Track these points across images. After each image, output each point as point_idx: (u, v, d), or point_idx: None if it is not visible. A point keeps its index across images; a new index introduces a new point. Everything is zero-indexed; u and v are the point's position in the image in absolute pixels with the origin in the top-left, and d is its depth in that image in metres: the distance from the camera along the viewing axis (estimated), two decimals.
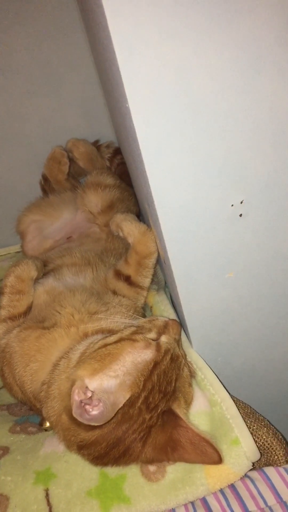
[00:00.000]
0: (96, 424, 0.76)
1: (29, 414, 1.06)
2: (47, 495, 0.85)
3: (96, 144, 1.63)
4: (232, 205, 0.81)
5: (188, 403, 0.88)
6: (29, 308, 1.09)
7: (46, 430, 0.97)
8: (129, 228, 1.11)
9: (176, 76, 0.69)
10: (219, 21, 0.66)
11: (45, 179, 1.62)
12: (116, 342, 0.85)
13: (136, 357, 0.83)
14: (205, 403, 0.91)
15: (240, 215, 0.82)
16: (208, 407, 0.90)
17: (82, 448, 0.84)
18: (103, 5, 0.63)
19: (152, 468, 0.86)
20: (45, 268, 1.19)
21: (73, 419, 0.82)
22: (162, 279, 1.21)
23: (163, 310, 1.09)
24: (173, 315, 1.06)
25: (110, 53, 0.74)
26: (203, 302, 0.92)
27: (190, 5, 0.64)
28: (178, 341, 0.92)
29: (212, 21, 0.66)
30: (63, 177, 1.56)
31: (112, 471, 0.86)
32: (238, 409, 0.88)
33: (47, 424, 0.95)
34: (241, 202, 0.81)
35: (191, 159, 0.76)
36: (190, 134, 0.74)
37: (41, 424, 0.97)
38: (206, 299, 0.91)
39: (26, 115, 1.56)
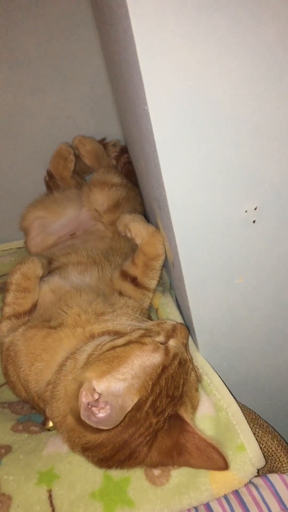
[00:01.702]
0: (105, 428, 0.75)
1: (31, 413, 1.05)
2: (50, 496, 0.84)
3: (103, 142, 1.62)
4: (246, 211, 0.81)
5: (194, 408, 0.88)
6: (34, 306, 1.08)
7: (49, 430, 0.97)
8: (138, 229, 1.10)
9: (195, 81, 0.69)
10: (240, 28, 0.66)
11: (50, 175, 1.61)
12: (124, 344, 0.85)
13: (144, 360, 0.82)
14: (210, 408, 0.91)
15: (254, 221, 0.82)
16: (214, 412, 0.90)
17: (86, 450, 0.84)
18: (128, 8, 0.62)
19: (156, 472, 0.86)
20: (50, 266, 1.18)
21: (79, 421, 0.81)
22: (167, 281, 1.21)
23: (169, 312, 1.09)
24: (179, 318, 1.06)
25: (130, 54, 0.74)
26: (211, 307, 0.92)
27: (213, 12, 0.64)
28: (186, 345, 0.92)
29: (234, 28, 0.66)
30: (69, 174, 1.55)
31: (116, 473, 0.86)
32: (243, 415, 0.88)
33: (50, 424, 0.95)
34: (255, 209, 0.81)
35: (206, 164, 0.76)
36: (207, 139, 0.74)
37: (44, 423, 0.97)
38: (215, 304, 0.91)
39: (33, 111, 1.54)
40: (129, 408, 0.78)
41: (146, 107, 0.71)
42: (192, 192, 0.78)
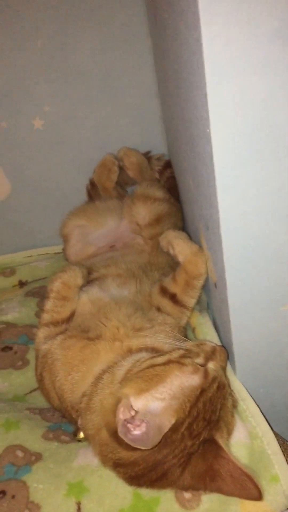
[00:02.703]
0: (143, 448, 0.75)
1: (62, 421, 1.05)
2: (79, 508, 0.84)
3: (147, 155, 1.62)
4: None
5: (229, 433, 0.87)
6: (72, 315, 1.09)
7: (79, 441, 0.97)
8: (182, 247, 1.10)
9: (260, 108, 0.69)
10: None
11: (92, 184, 1.63)
12: (164, 363, 0.84)
13: (183, 381, 0.82)
14: (245, 435, 0.89)
15: None
16: (248, 439, 0.89)
17: (118, 466, 0.83)
18: (201, 32, 0.63)
19: (187, 495, 0.84)
20: (89, 276, 1.19)
21: (114, 437, 0.81)
22: (204, 300, 1.20)
23: (206, 333, 1.08)
24: (216, 339, 1.05)
25: (195, 76, 0.74)
26: (253, 332, 0.91)
27: (285, 40, 0.64)
28: (224, 369, 0.91)
29: None
30: (111, 185, 1.56)
31: (146, 492, 0.85)
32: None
33: (81, 435, 0.95)
34: None
35: (263, 190, 0.75)
36: (266, 165, 0.73)
37: (75, 434, 0.97)
38: (257, 329, 0.90)
39: (82, 119, 1.56)
40: (167, 429, 0.77)
41: (208, 130, 0.72)
42: (246, 217, 0.77)
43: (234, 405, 0.91)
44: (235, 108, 0.68)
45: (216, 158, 0.72)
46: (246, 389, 0.95)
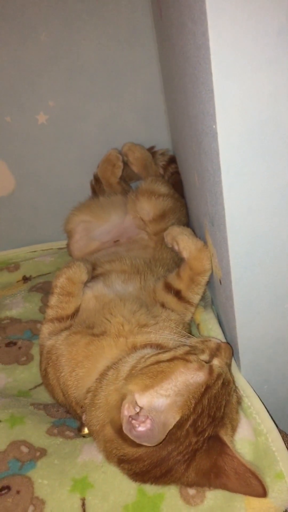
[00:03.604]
0: (148, 445, 0.75)
1: (66, 417, 1.06)
2: (83, 504, 0.84)
3: (151, 150, 1.62)
4: None
5: (234, 430, 0.87)
6: (76, 311, 1.09)
7: (84, 436, 0.97)
8: (186, 243, 1.10)
9: (267, 104, 0.68)
10: None
11: (96, 179, 1.63)
12: (169, 360, 0.84)
13: (188, 378, 0.82)
14: (249, 432, 0.89)
15: None
16: (253, 436, 0.89)
17: (123, 462, 0.83)
18: (208, 27, 0.62)
19: (191, 491, 0.85)
20: (93, 272, 1.19)
21: (118, 433, 0.81)
22: (209, 297, 1.20)
23: (211, 329, 1.08)
24: (221, 335, 1.05)
25: (201, 72, 0.73)
26: (258, 329, 0.90)
27: None
28: (229, 366, 0.91)
29: None
30: (115, 180, 1.56)
31: (150, 489, 0.85)
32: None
33: (86, 430, 0.95)
34: None
35: (269, 186, 0.75)
36: (273, 162, 0.73)
37: (79, 430, 0.97)
38: (262, 326, 0.90)
39: (86, 115, 1.56)
40: (171, 426, 0.77)
41: (214, 126, 0.71)
42: (252, 213, 0.77)
43: (239, 401, 0.91)
44: (242, 104, 0.68)
45: (222, 154, 0.72)
46: (251, 386, 0.94)
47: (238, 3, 0.61)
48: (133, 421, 0.78)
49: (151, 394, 0.79)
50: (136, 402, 0.79)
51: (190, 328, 1.13)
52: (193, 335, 1.08)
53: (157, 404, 0.79)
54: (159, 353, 0.88)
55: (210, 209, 0.92)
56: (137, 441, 0.74)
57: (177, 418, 0.78)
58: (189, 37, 0.80)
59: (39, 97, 1.52)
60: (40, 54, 1.45)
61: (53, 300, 1.09)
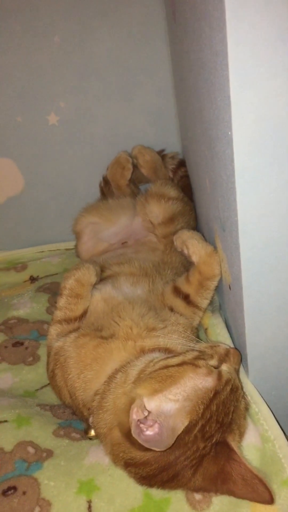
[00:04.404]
0: (157, 450, 0.75)
1: (72, 418, 1.06)
2: (89, 507, 0.84)
3: (161, 154, 1.62)
4: None
5: (241, 436, 0.87)
6: (85, 313, 1.09)
7: (90, 439, 0.97)
8: (196, 247, 1.10)
9: (284, 111, 0.68)
10: None
11: (105, 181, 1.63)
12: (178, 365, 0.84)
13: (197, 383, 0.82)
14: (256, 438, 0.89)
15: None
16: (260, 442, 0.89)
17: (130, 466, 0.83)
18: (227, 34, 0.62)
19: (198, 496, 0.85)
20: (102, 274, 1.19)
21: (126, 436, 0.81)
22: (217, 301, 1.20)
23: (219, 333, 1.08)
24: (228, 340, 1.05)
25: (218, 78, 0.74)
26: (267, 335, 0.90)
27: None
28: (237, 371, 0.91)
29: None
30: (125, 182, 1.56)
31: (157, 493, 0.85)
32: None
33: (92, 433, 0.95)
34: None
35: (284, 194, 0.75)
36: (287, 169, 0.73)
37: (86, 432, 0.97)
38: (272, 333, 0.90)
39: (97, 116, 1.56)
40: (180, 431, 0.77)
41: (229, 133, 0.71)
42: (265, 220, 0.77)
43: (247, 407, 0.91)
44: (257, 111, 0.68)
45: (237, 160, 0.72)
46: (259, 392, 0.94)
47: (258, 10, 0.61)
48: (141, 425, 0.78)
49: (160, 399, 0.79)
50: (144, 406, 0.79)
51: (198, 332, 1.13)
52: (201, 340, 1.09)
53: (165, 408, 0.79)
54: (168, 357, 0.88)
55: (222, 214, 0.92)
56: (146, 445, 0.74)
57: (186, 423, 0.78)
58: (205, 43, 0.80)
59: (50, 98, 1.52)
60: (53, 55, 1.45)
61: (62, 301, 1.09)
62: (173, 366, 0.84)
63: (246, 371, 0.97)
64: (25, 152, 1.60)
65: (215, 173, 0.92)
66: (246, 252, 0.80)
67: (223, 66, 0.68)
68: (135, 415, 0.78)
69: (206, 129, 0.95)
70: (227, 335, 1.07)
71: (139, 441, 0.75)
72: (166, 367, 0.84)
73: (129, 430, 0.78)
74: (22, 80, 1.48)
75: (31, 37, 1.41)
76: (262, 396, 0.94)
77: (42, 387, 1.18)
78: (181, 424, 0.78)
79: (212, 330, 1.10)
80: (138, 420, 0.77)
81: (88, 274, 1.10)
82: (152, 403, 0.79)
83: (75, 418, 1.05)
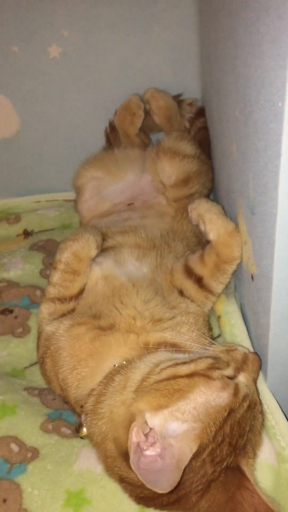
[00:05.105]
0: (159, 491, 0.63)
1: (63, 407, 0.95)
2: None
3: (178, 99, 1.43)
4: None
5: (256, 455, 0.76)
6: (81, 291, 0.96)
7: (81, 438, 0.86)
8: (215, 224, 0.95)
9: None
10: None
11: (112, 128, 1.46)
12: (188, 376, 0.71)
13: (210, 399, 0.69)
14: (271, 456, 0.79)
15: None
16: (275, 461, 0.78)
17: (125, 482, 0.74)
18: None
19: None
20: (104, 243, 1.04)
21: (123, 457, 0.70)
22: (232, 283, 1.05)
23: (234, 325, 0.95)
24: (244, 333, 0.93)
25: (270, 24, 0.55)
26: None
27: None
28: (255, 380, 0.78)
29: None
30: (134, 131, 1.38)
31: None
32: None
33: (84, 432, 0.84)
34: None
35: None
36: None
37: (77, 430, 0.86)
38: None
39: (106, 51, 1.37)
40: (188, 460, 0.66)
41: (280, 104, 0.54)
42: None
43: (264, 423, 0.79)
44: None
45: (285, 141, 0.56)
46: (277, 402, 0.82)
47: None
48: (140, 443, 0.66)
49: (165, 415, 0.68)
50: (146, 423, 0.67)
51: (209, 318, 1.00)
52: (212, 328, 0.96)
53: (171, 427, 0.68)
54: (177, 364, 0.75)
55: (252, 195, 0.76)
56: (147, 485, 0.62)
57: (194, 449, 0.67)
58: None
59: (52, 25, 1.33)
60: None
61: (56, 277, 0.95)
62: (182, 376, 0.71)
63: (265, 377, 0.85)
64: (21, 88, 1.43)
65: (248, 143, 0.75)
66: (282, 244, 0.66)
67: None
68: (135, 437, 0.66)
69: (241, 85, 0.77)
70: (243, 327, 0.94)
71: (139, 477, 0.63)
72: (174, 377, 0.72)
73: (127, 451, 0.67)
74: (19, 3, 1.28)
75: None
76: (280, 407, 0.82)
77: (31, 365, 1.09)
78: (189, 450, 0.67)
79: (226, 319, 0.97)
80: (139, 442, 0.66)
81: (88, 247, 0.96)
82: (156, 420, 0.68)
83: (66, 408, 0.94)
